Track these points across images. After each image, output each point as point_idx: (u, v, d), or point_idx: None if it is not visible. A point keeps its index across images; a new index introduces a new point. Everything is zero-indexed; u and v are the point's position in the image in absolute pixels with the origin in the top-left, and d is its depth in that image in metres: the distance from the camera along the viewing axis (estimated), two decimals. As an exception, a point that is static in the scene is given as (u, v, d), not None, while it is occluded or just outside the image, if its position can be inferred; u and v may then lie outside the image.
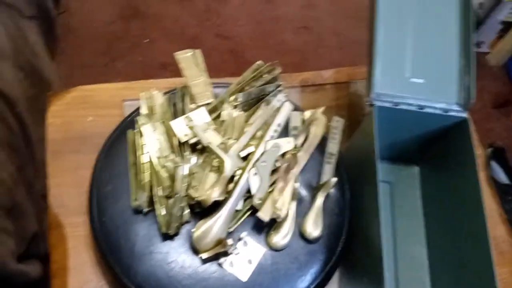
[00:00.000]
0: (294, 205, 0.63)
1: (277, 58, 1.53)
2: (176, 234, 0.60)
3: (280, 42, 1.56)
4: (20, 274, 0.66)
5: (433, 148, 0.75)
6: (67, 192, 0.69)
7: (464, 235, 0.67)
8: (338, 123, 0.71)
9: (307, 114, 0.70)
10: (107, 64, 1.42)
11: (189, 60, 0.71)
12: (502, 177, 1.27)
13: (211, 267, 0.59)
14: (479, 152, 0.87)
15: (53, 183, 0.70)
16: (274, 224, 0.61)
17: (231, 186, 0.61)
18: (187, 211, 0.61)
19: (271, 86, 0.70)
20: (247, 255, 0.60)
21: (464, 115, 0.67)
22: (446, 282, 0.69)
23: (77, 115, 0.75)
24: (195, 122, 0.64)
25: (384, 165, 0.79)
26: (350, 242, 0.65)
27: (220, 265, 0.59)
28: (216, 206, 0.61)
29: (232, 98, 0.68)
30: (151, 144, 0.64)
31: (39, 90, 1.06)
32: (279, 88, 0.71)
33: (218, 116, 0.67)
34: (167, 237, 0.60)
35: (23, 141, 0.94)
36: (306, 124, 0.67)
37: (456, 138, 0.69)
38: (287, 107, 0.65)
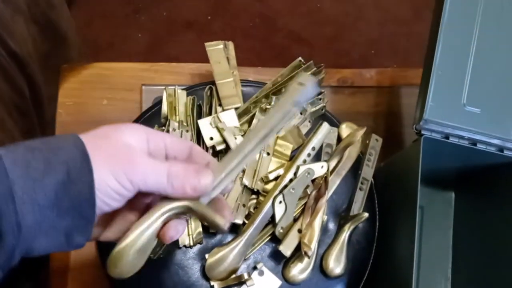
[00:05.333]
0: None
1: (310, 29, 1.43)
2: (160, 258, 0.54)
3: (316, 9, 1.44)
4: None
5: (476, 177, 0.68)
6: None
7: (495, 276, 0.62)
8: (377, 142, 0.64)
9: (344, 130, 0.63)
10: (129, 15, 1.33)
11: (220, 53, 0.63)
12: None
13: (221, 295, 0.55)
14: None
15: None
16: (293, 254, 0.56)
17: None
18: (199, 230, 0.56)
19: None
20: (261, 286, 0.55)
21: (520, 155, 0.60)
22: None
23: (91, 96, 0.69)
24: (224, 125, 0.57)
25: (418, 188, 0.72)
26: (373, 278, 0.60)
27: (231, 294, 0.54)
28: (233, 227, 0.56)
29: (265, 101, 0.61)
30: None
31: (53, 45, 0.99)
32: (319, 96, 0.63)
33: (248, 120, 0.61)
34: (177, 253, 0.55)
35: (32, 103, 0.89)
36: (343, 147, 0.60)
37: (505, 177, 0.62)
38: (325, 128, 0.58)
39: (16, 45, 0.83)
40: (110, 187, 0.32)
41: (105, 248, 0.56)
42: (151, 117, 0.62)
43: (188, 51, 1.17)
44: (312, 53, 1.32)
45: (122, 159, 0.33)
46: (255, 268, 0.56)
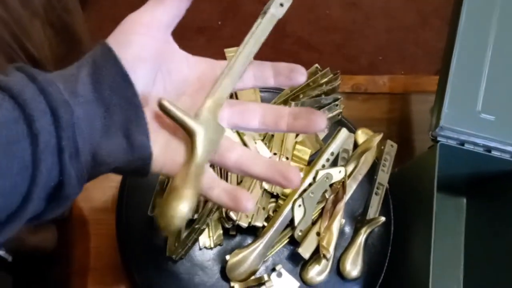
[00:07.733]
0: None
1: (319, 35, 1.45)
2: (181, 259, 0.56)
3: (325, 16, 1.46)
4: (35, 249, 0.64)
5: (488, 184, 0.69)
6: (93, 185, 0.65)
7: (506, 281, 0.63)
8: (392, 148, 0.65)
9: (360, 136, 0.64)
10: (141, 20, 1.33)
11: (240, 59, 0.64)
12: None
13: (241, 296, 0.56)
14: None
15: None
16: (311, 257, 0.57)
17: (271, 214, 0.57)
18: (219, 232, 0.57)
19: (328, 99, 0.64)
20: (279, 288, 0.56)
21: (534, 162, 0.61)
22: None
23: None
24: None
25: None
26: (389, 281, 0.61)
27: (250, 296, 0.55)
28: (253, 229, 0.57)
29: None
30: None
31: (68, 48, 1.00)
32: (336, 102, 0.64)
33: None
34: (197, 254, 0.56)
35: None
36: (359, 152, 0.61)
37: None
38: (343, 134, 0.59)
39: (34, 49, 0.84)
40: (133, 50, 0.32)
41: (127, 248, 0.57)
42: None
43: (199, 55, 1.17)
44: (320, 59, 1.33)
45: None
46: (273, 269, 0.57)
